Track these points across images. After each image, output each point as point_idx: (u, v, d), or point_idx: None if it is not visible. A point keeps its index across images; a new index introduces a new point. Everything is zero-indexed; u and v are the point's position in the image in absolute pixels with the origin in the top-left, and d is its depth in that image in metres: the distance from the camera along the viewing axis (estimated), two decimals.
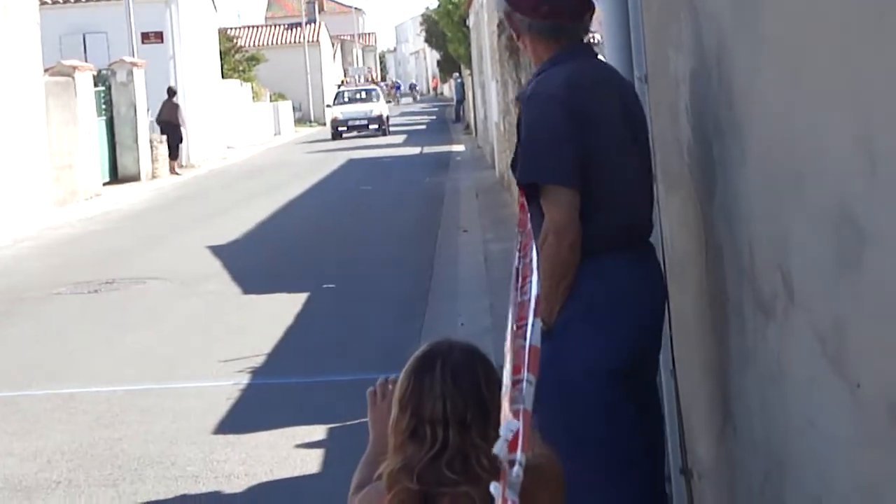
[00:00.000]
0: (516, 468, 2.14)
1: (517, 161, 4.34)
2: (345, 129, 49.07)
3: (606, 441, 4.23)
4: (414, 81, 59.28)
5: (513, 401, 2.33)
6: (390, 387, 3.16)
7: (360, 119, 49.87)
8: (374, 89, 54.53)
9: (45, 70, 26.03)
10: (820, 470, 2.93)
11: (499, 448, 2.16)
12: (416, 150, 37.44)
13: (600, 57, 4.87)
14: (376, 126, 49.34)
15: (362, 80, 72.84)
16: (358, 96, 53.11)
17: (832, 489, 2.85)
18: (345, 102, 52.09)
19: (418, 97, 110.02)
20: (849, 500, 2.73)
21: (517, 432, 2.22)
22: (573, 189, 4.17)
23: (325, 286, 13.19)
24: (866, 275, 2.51)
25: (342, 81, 55.61)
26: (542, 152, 4.24)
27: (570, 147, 4.19)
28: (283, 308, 12.09)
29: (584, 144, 4.20)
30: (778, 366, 3.27)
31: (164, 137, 32.97)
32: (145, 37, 37.02)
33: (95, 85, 29.91)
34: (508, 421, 2.23)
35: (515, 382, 2.38)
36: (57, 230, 20.90)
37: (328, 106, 56.44)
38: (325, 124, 58.74)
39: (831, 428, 2.82)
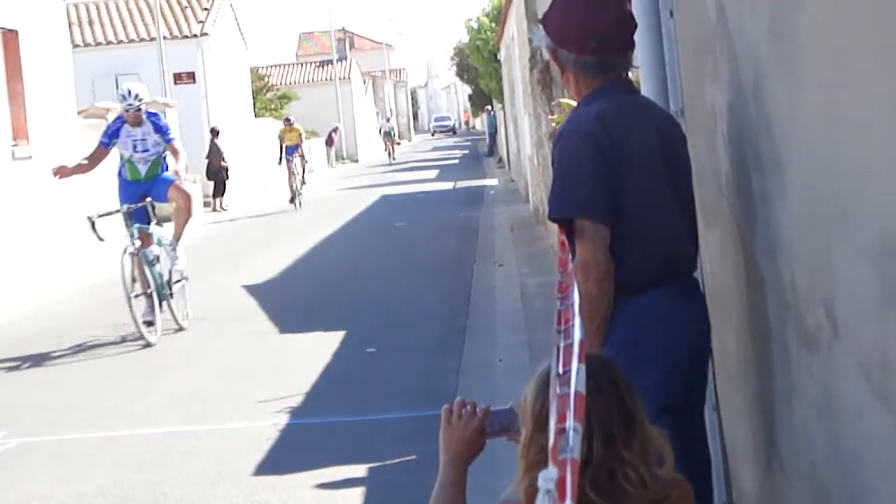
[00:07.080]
0: None
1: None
2: None
3: None
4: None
5: (560, 450, 2.29)
6: (467, 408, 3.04)
7: None
8: None
9: (79, 112, 26.11)
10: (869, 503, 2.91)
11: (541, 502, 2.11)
12: (448, 185, 37.47)
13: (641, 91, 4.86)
14: None
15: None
16: None
17: None
18: None
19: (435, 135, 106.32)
20: None
21: (563, 481, 2.19)
22: (600, 224, 4.15)
23: (361, 325, 13.17)
24: None
25: None
26: (570, 188, 4.23)
27: (597, 182, 4.18)
28: (320, 346, 12.09)
29: (614, 179, 4.19)
30: (824, 400, 3.25)
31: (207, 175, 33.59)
32: (177, 77, 37.33)
33: None
34: (544, 471, 2.19)
35: (561, 431, 2.35)
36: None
37: None
38: (357, 161, 58.63)
39: (880, 461, 2.80)
